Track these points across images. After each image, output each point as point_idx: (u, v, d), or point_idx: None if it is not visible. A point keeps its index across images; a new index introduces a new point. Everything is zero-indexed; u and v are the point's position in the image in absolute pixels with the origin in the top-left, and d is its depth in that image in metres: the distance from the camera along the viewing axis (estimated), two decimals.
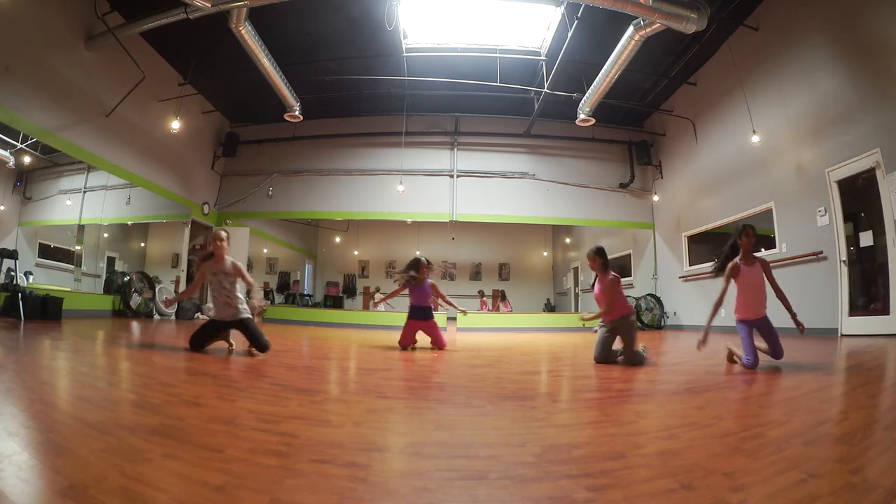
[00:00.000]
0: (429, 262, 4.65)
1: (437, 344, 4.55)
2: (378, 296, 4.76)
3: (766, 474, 1.13)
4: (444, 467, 1.18)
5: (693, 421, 1.69)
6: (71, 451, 1.15)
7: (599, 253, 3.70)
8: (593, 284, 3.81)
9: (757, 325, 3.19)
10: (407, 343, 4.47)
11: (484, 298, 12.60)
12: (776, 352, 3.13)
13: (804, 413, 1.81)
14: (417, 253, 4.74)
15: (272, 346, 3.63)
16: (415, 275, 4.53)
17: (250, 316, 3.54)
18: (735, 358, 3.22)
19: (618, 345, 3.60)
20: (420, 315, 4.55)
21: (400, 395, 2.22)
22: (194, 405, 1.75)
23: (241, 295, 3.55)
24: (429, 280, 4.64)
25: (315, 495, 0.98)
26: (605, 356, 3.52)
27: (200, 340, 3.44)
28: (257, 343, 3.43)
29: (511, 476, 1.12)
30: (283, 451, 1.26)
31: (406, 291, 4.68)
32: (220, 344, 3.64)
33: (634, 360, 3.42)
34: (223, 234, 3.56)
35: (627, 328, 3.53)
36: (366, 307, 12.53)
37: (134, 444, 1.25)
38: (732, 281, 3.22)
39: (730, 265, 3.21)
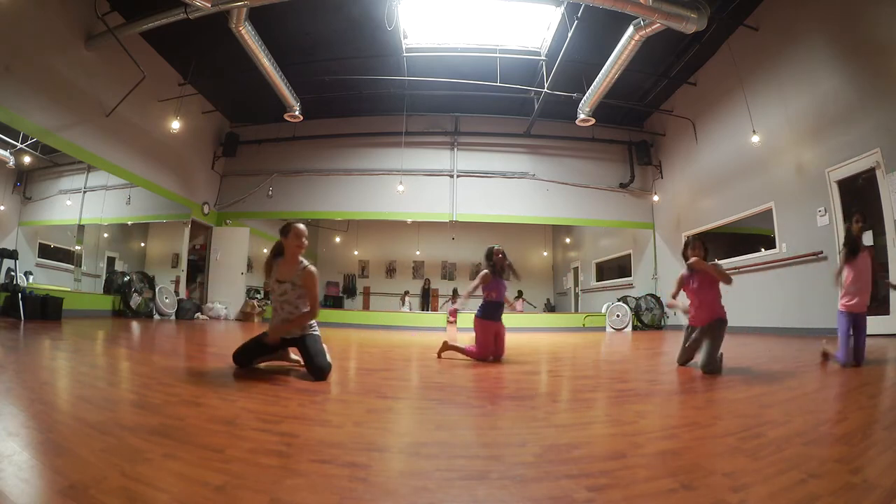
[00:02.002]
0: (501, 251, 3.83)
1: (502, 351, 3.76)
2: (460, 301, 3.75)
3: (766, 474, 1.13)
4: (444, 467, 1.18)
5: (693, 421, 1.69)
6: (71, 451, 1.15)
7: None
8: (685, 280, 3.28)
9: (857, 319, 3.03)
10: (490, 353, 3.65)
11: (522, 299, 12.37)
12: (860, 353, 2.97)
13: (804, 413, 1.81)
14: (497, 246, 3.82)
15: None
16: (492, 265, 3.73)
17: (316, 333, 2.71)
18: (829, 357, 3.11)
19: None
20: (499, 315, 3.74)
21: (400, 395, 2.22)
22: (194, 405, 1.75)
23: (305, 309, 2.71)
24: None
25: (315, 495, 0.98)
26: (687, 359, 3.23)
27: (248, 356, 2.69)
28: (313, 364, 2.53)
29: (511, 476, 1.12)
30: (283, 451, 1.26)
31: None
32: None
33: (714, 367, 2.92)
34: (305, 230, 2.74)
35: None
36: (366, 306, 12.54)
37: (134, 444, 1.25)
38: (846, 267, 3.09)
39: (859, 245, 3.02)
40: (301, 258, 2.74)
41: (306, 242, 2.73)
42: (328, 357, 2.64)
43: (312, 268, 2.71)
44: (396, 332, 7.79)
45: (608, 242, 11.60)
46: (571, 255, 13.66)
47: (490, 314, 3.70)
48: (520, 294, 12.32)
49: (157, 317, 7.69)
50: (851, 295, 3.05)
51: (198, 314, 8.71)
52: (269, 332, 2.67)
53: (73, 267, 7.50)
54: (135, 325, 5.91)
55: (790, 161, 6.18)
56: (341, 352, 4.32)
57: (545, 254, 14.54)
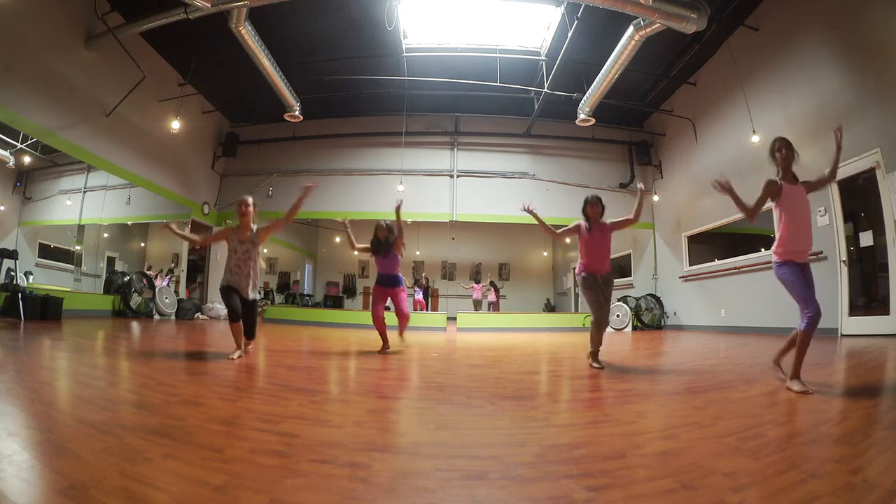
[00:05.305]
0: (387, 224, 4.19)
1: (399, 312, 4.24)
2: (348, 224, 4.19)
3: (766, 474, 1.13)
4: (444, 467, 1.18)
5: (693, 421, 1.69)
6: (71, 451, 1.15)
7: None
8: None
9: (803, 269, 2.41)
10: (380, 312, 4.14)
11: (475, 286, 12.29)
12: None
13: (804, 413, 1.81)
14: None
15: (273, 348, 3.61)
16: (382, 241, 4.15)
17: (258, 297, 3.47)
18: (782, 376, 2.46)
19: None
20: (385, 282, 4.22)
21: (400, 395, 2.23)
22: (194, 405, 1.75)
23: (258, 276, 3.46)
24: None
25: (315, 495, 0.98)
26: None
27: (234, 308, 3.28)
28: (253, 328, 3.43)
29: (511, 476, 1.12)
30: (283, 451, 1.26)
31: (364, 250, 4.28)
32: (228, 346, 3.56)
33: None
34: (249, 199, 3.40)
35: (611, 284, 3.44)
36: (365, 306, 12.54)
37: (134, 444, 1.25)
38: (773, 207, 2.53)
39: (766, 181, 2.51)
40: (252, 224, 3.41)
41: (249, 209, 3.36)
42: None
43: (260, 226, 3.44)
44: (396, 332, 7.79)
45: None
46: (571, 255, 13.66)
47: (378, 281, 4.26)
48: (492, 284, 12.29)
49: (157, 317, 7.69)
50: (789, 241, 2.47)
51: (198, 314, 8.71)
52: (233, 285, 3.32)
53: (73, 267, 7.50)
54: (135, 326, 5.91)
55: None
56: (341, 353, 4.32)
57: (545, 254, 14.54)
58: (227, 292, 3.31)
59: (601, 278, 3.36)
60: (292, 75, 7.60)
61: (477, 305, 11.83)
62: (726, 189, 2.60)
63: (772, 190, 2.51)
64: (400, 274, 4.26)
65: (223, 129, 10.16)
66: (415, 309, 10.94)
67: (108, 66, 6.69)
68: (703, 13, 5.30)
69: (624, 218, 3.46)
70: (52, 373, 2.35)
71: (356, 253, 4.35)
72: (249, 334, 3.44)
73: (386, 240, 4.13)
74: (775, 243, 2.50)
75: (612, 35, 6.17)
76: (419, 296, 11.23)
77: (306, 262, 14.14)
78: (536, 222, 3.68)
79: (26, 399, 1.69)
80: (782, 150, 2.56)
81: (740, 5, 6.35)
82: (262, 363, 3.08)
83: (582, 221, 3.48)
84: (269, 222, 3.51)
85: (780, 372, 2.53)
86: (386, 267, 4.19)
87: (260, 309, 9.44)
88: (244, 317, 3.34)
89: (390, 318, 4.29)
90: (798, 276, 2.36)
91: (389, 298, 4.27)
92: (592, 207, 3.44)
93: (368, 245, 4.22)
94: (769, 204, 2.57)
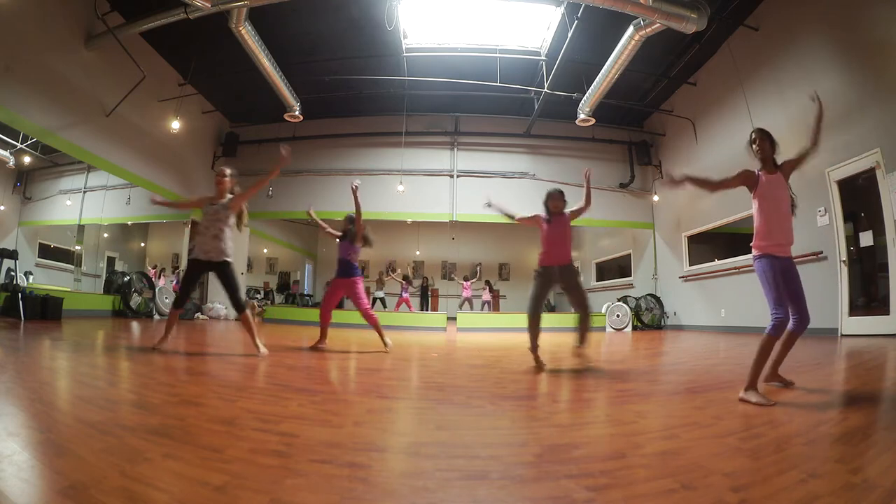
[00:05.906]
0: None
1: (362, 313, 4.25)
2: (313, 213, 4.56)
3: (766, 474, 1.13)
4: (444, 467, 1.18)
5: (693, 421, 1.69)
6: (71, 451, 1.15)
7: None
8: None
9: (784, 267, 2.18)
10: (326, 306, 4.34)
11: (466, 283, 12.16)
12: (802, 315, 2.18)
13: (804, 413, 1.81)
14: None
15: (273, 347, 3.61)
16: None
17: (232, 261, 3.36)
18: (751, 395, 2.00)
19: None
20: (340, 271, 4.29)
21: (400, 395, 2.23)
22: (194, 405, 1.75)
23: (231, 238, 3.40)
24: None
25: (315, 495, 0.98)
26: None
27: (186, 292, 3.42)
28: (235, 298, 3.30)
29: (511, 476, 1.12)
30: (283, 451, 1.26)
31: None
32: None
33: (589, 324, 3.30)
34: (227, 170, 3.50)
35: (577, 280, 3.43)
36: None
37: (134, 444, 1.25)
38: (752, 198, 2.44)
39: (742, 169, 2.47)
40: (229, 193, 3.50)
41: (226, 179, 3.48)
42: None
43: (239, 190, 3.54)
44: (396, 332, 7.79)
45: (608, 242, 11.60)
46: (572, 255, 13.65)
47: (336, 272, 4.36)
48: (487, 284, 12.20)
49: (157, 317, 7.69)
50: (767, 234, 2.32)
51: (198, 314, 8.71)
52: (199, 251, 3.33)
53: (73, 267, 7.51)
54: (135, 326, 5.91)
55: None
56: (341, 353, 4.32)
57: None
58: (189, 270, 3.35)
59: (559, 269, 3.39)
60: (292, 75, 7.60)
61: (464, 304, 11.59)
62: (678, 183, 2.55)
63: (745, 178, 2.45)
64: (355, 263, 4.31)
65: (223, 129, 10.16)
66: (397, 307, 10.89)
67: (108, 66, 6.69)
68: (703, 13, 5.30)
69: (578, 206, 3.48)
70: (52, 373, 2.35)
71: (337, 240, 4.51)
72: (237, 308, 3.33)
73: (349, 229, 4.33)
74: (754, 236, 2.32)
75: (612, 35, 6.17)
76: (406, 294, 11.17)
77: (306, 262, 14.14)
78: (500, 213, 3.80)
79: (26, 399, 1.69)
80: (757, 142, 2.52)
81: (740, 5, 6.35)
82: (262, 363, 3.08)
83: (541, 213, 3.56)
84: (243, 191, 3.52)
85: (782, 381, 2.34)
86: (341, 250, 4.34)
87: (260, 309, 9.45)
88: (224, 285, 3.29)
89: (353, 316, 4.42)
90: (774, 273, 2.14)
91: (349, 296, 4.34)
92: (554, 201, 3.50)
93: (339, 232, 4.43)
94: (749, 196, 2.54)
